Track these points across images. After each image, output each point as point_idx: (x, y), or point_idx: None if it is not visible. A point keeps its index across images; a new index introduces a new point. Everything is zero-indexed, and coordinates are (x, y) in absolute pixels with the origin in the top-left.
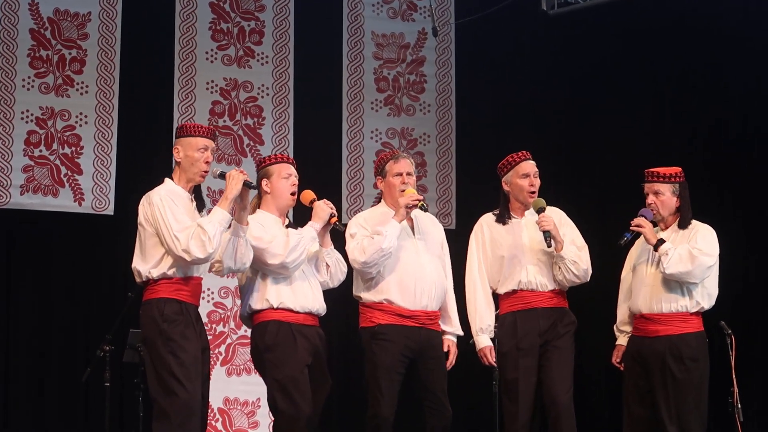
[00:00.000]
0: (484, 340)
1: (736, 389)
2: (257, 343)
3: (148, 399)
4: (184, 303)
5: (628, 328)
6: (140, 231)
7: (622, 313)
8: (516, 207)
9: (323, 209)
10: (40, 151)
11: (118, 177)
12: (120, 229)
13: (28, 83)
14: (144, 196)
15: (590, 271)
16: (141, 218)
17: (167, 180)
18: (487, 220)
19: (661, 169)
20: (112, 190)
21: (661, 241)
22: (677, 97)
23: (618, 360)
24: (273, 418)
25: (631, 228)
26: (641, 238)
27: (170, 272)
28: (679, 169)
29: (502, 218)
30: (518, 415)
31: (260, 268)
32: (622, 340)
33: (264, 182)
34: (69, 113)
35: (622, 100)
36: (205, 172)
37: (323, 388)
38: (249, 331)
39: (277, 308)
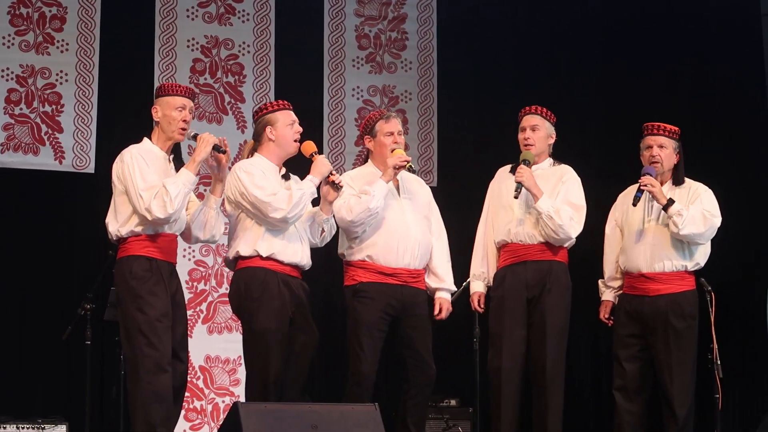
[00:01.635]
0: (475, 286)
1: (715, 346)
2: (240, 287)
3: None
4: (154, 260)
5: (616, 284)
6: (113, 188)
7: (610, 269)
8: None
9: (324, 164)
10: (21, 109)
11: (98, 135)
12: (101, 187)
13: (8, 41)
14: (119, 154)
15: (570, 229)
16: (114, 176)
17: (145, 139)
18: (502, 171)
19: (666, 124)
20: (92, 149)
21: (671, 201)
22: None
23: (606, 316)
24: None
25: (640, 186)
26: (623, 194)
27: (138, 229)
28: (678, 128)
29: (513, 170)
30: (501, 368)
31: (256, 218)
32: (609, 296)
33: (269, 129)
34: (49, 71)
35: (609, 56)
36: (183, 129)
37: (311, 339)
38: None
39: (266, 258)
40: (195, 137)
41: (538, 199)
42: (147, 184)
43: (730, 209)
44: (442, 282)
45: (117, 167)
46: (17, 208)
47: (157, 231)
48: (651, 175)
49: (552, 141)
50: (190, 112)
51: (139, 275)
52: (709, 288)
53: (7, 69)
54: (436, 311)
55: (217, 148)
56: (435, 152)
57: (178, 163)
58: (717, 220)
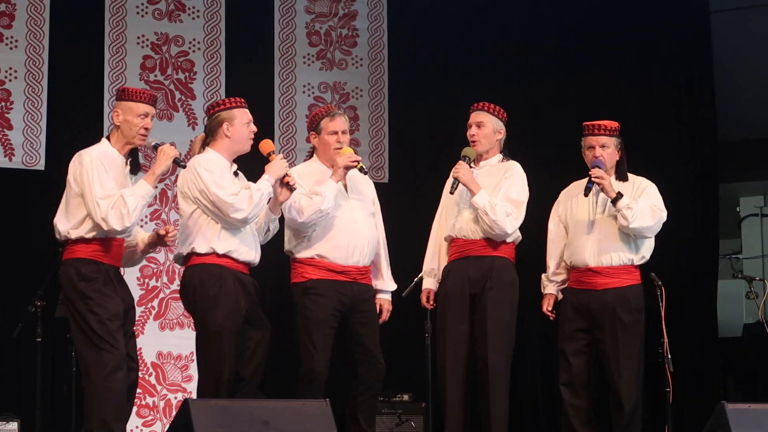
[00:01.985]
0: (425, 282)
1: (666, 340)
2: (195, 283)
3: None
4: (101, 264)
5: (559, 278)
6: (67, 188)
7: (553, 263)
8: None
9: (281, 166)
10: None
11: (48, 132)
12: (51, 184)
13: None
14: (76, 155)
15: (505, 225)
16: (70, 176)
17: (104, 141)
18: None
19: (605, 123)
20: (42, 146)
21: (620, 195)
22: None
23: (550, 308)
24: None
25: (592, 179)
26: (566, 191)
27: (89, 235)
28: (618, 123)
29: (470, 166)
30: (445, 364)
31: (214, 216)
32: (551, 289)
33: (225, 125)
34: None
35: (561, 51)
36: (143, 137)
37: (265, 334)
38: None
39: (221, 255)
40: (155, 148)
41: (475, 194)
42: (105, 192)
43: (678, 202)
44: (383, 282)
45: (75, 169)
46: None
47: (107, 236)
48: (600, 168)
49: (500, 137)
50: (152, 119)
51: (87, 277)
52: (660, 282)
53: None
54: (377, 311)
55: (177, 161)
56: (386, 149)
57: (134, 167)
58: (664, 214)
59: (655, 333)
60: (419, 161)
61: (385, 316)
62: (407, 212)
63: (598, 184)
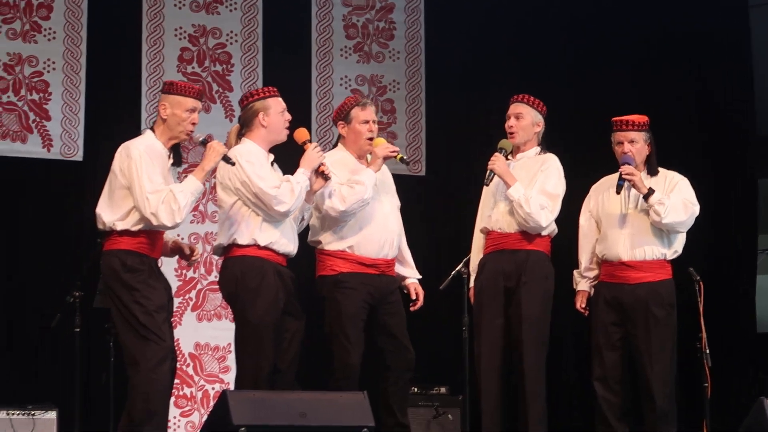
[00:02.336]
0: (471, 280)
1: (704, 335)
2: (236, 275)
3: (118, 345)
4: (145, 256)
5: (592, 274)
6: (111, 178)
7: (585, 259)
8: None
9: (315, 157)
10: (8, 97)
11: (86, 123)
12: (89, 175)
13: None
14: (123, 146)
15: (539, 218)
16: (116, 167)
17: (148, 133)
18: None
19: (634, 118)
20: (80, 137)
21: (652, 191)
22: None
23: (583, 306)
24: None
25: (622, 176)
26: (596, 186)
27: (135, 228)
28: (647, 117)
29: (507, 158)
30: (481, 357)
31: (255, 208)
32: (584, 286)
33: (261, 115)
34: (36, 59)
35: (597, 48)
36: (190, 132)
37: (300, 324)
38: (218, 276)
39: (262, 247)
40: (203, 143)
41: (510, 186)
42: (154, 187)
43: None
44: (411, 270)
45: (122, 161)
46: (4, 196)
47: (153, 229)
48: (630, 165)
49: (538, 129)
50: (198, 114)
51: (133, 268)
52: (698, 277)
53: None
54: (413, 297)
55: (226, 159)
56: (423, 141)
57: (177, 159)
58: (696, 208)
59: (693, 328)
60: (456, 154)
61: (421, 299)
62: (444, 205)
63: (629, 180)
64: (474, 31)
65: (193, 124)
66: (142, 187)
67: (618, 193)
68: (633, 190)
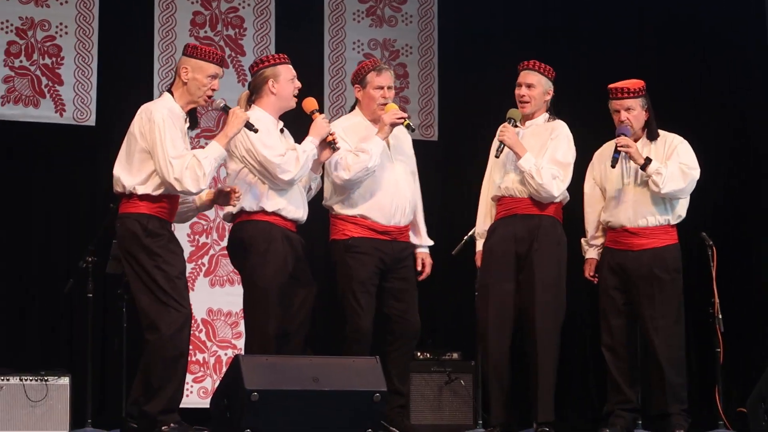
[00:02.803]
0: (478, 244)
1: (717, 300)
2: (245, 240)
3: (131, 310)
4: (164, 221)
5: (599, 242)
6: (130, 140)
7: (591, 227)
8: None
9: (323, 126)
10: (21, 61)
11: (99, 88)
12: (101, 139)
13: None
14: (143, 108)
15: (551, 188)
16: (135, 130)
17: (167, 96)
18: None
19: (629, 84)
20: (93, 101)
21: (649, 161)
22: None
23: (592, 273)
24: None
25: (617, 148)
26: (599, 152)
27: (156, 192)
28: (643, 82)
29: (513, 124)
30: (487, 321)
31: (261, 176)
32: (592, 254)
33: (271, 82)
34: (49, 23)
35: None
36: (209, 97)
37: (310, 291)
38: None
39: (270, 213)
40: (224, 109)
41: (521, 157)
42: (177, 152)
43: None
44: (421, 239)
45: (143, 125)
46: (17, 160)
47: (172, 193)
48: (626, 135)
49: (549, 97)
50: (218, 81)
51: (154, 233)
52: (711, 242)
53: (7, 21)
54: (419, 267)
55: (249, 126)
56: (435, 106)
57: (192, 123)
58: (696, 173)
59: (706, 293)
60: (469, 119)
61: (428, 269)
62: (457, 170)
63: (626, 152)
64: None
65: (213, 90)
66: (166, 151)
67: (613, 167)
68: (633, 161)
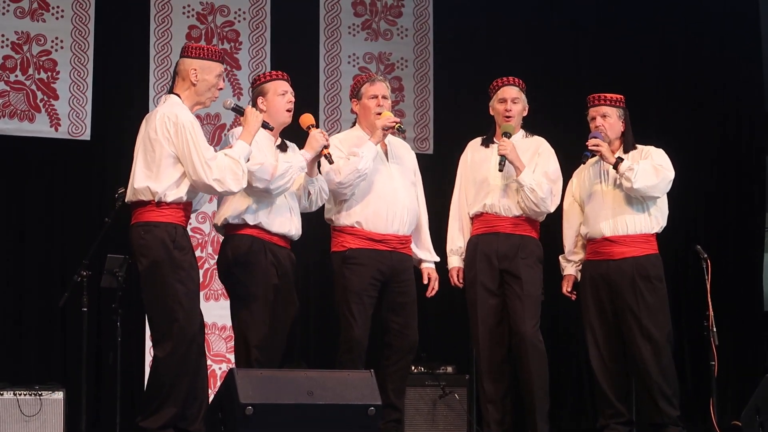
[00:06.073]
0: (453, 261)
1: (711, 313)
2: (228, 254)
3: (125, 324)
4: (185, 228)
5: (577, 258)
6: (153, 148)
7: (569, 243)
8: (498, 131)
9: (317, 140)
10: (16, 76)
11: (94, 102)
12: (96, 154)
13: (3, 8)
14: (163, 114)
15: (549, 202)
16: (159, 136)
17: (175, 98)
18: (474, 143)
19: (607, 94)
20: (88, 116)
21: (620, 159)
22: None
23: (569, 290)
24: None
25: (589, 147)
26: (578, 171)
27: (185, 197)
28: (622, 96)
29: (486, 142)
30: (478, 336)
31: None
32: (571, 270)
33: (260, 100)
34: (45, 38)
35: (603, 24)
36: (216, 98)
37: (290, 309)
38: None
39: (253, 226)
40: (236, 109)
41: (521, 171)
42: (210, 153)
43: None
44: (428, 254)
45: (167, 130)
46: (12, 175)
47: (192, 199)
48: (597, 138)
49: (526, 113)
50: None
51: (181, 246)
52: (705, 255)
53: (3, 36)
54: (425, 282)
55: (265, 125)
56: (431, 119)
57: None
58: (670, 173)
59: (701, 306)
60: (464, 132)
61: (434, 284)
62: (451, 183)
63: (596, 152)
64: (482, 7)
65: (220, 89)
66: (201, 154)
67: (583, 163)
68: (611, 169)
